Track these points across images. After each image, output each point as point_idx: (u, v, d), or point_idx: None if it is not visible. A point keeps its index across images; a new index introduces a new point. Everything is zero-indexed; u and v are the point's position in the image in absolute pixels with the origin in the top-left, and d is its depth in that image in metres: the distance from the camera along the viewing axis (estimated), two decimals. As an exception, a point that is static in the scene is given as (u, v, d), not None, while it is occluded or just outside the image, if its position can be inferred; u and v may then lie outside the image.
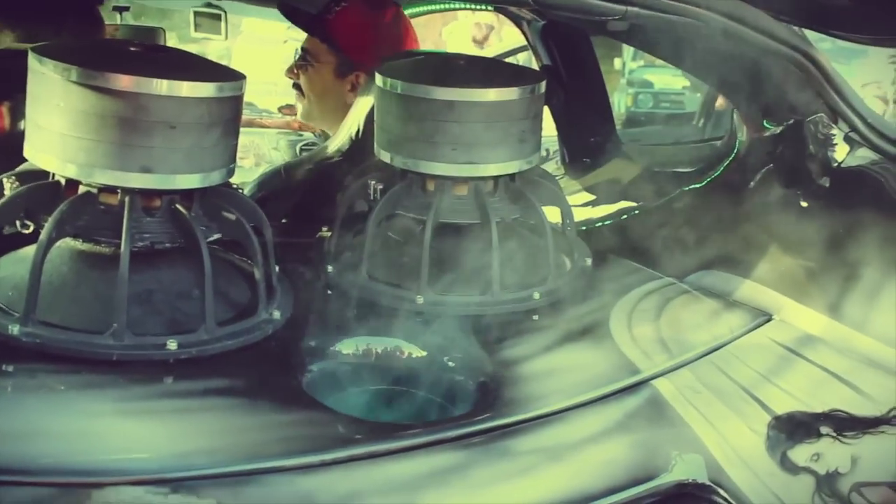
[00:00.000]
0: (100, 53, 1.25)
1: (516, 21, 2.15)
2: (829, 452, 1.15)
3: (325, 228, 1.59)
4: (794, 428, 1.20)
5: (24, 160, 1.25)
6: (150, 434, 1.04)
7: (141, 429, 1.05)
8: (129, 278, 1.14)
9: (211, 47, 3.49)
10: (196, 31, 2.95)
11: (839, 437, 1.17)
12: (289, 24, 2.31)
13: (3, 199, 1.20)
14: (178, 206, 1.22)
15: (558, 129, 2.10)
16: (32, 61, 1.17)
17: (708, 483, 1.12)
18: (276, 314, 1.29)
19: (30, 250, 1.20)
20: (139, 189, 1.19)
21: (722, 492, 1.12)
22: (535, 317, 1.43)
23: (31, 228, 1.22)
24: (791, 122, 1.50)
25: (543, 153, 1.82)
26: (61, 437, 1.01)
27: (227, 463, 1.00)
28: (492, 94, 1.41)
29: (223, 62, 1.41)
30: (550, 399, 1.21)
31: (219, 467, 0.99)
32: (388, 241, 1.49)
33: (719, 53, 1.56)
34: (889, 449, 1.15)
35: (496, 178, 1.48)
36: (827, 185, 1.45)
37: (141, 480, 0.94)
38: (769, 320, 1.44)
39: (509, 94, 1.42)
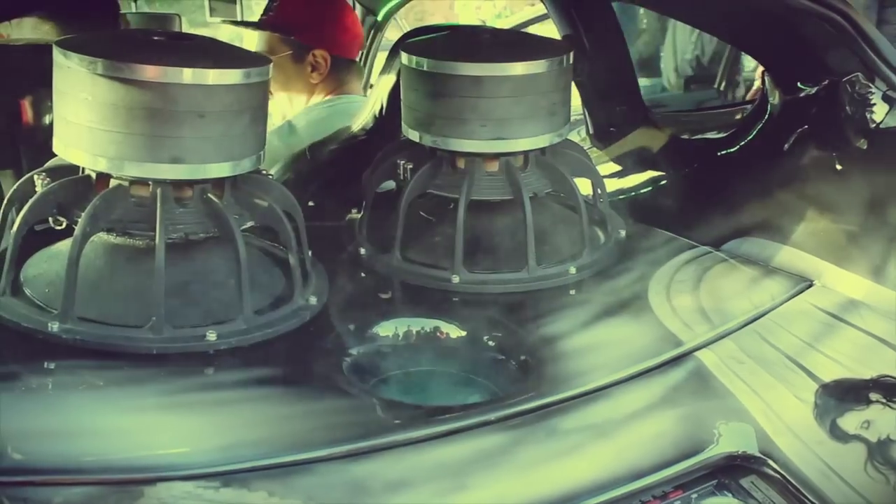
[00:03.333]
0: (124, 44, 1.24)
1: (535, -10, 2.13)
2: (879, 419, 1.14)
3: (354, 210, 1.59)
4: (843, 395, 1.19)
5: (52, 155, 1.25)
6: (195, 427, 1.04)
7: (186, 422, 1.05)
8: (165, 270, 1.15)
9: (222, 31, 3.48)
10: (211, 15, 2.94)
11: (889, 404, 1.17)
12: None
13: (35, 196, 1.20)
14: (210, 195, 1.22)
15: (583, 98, 2.08)
16: (57, 55, 1.17)
17: (758, 454, 1.12)
18: (313, 300, 1.29)
19: (62, 246, 1.21)
20: (170, 180, 1.19)
21: (772, 462, 1.11)
22: (573, 291, 1.43)
23: (64, 224, 1.22)
24: (826, 82, 1.48)
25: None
26: (106, 434, 1.01)
27: (275, 454, 1.00)
28: (520, 68, 1.40)
29: (235, 44, 1.40)
30: (593, 375, 1.20)
31: (267, 458, 0.99)
32: (420, 220, 1.49)
33: (748, 14, 1.54)
34: (939, 413, 1.14)
35: (527, 153, 1.46)
36: (865, 146, 1.43)
37: (191, 475, 0.95)
38: (810, 286, 1.43)
39: (538, 66, 1.41)
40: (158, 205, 1.17)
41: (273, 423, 1.07)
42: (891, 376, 1.20)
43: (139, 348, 1.14)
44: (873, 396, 1.18)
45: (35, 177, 1.24)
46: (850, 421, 1.15)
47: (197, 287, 1.22)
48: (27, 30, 1.88)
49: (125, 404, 1.06)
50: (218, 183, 1.23)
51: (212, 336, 1.16)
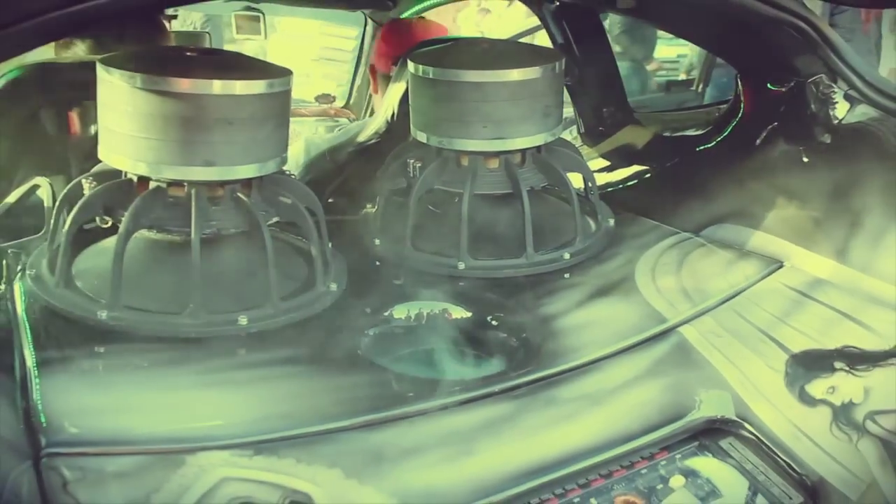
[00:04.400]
0: (160, 60, 1.24)
1: (531, 4, 2.11)
2: (843, 385, 1.14)
3: (369, 205, 1.59)
4: (810, 364, 1.18)
5: (97, 161, 1.25)
6: (229, 402, 1.05)
7: (221, 398, 1.05)
8: (200, 262, 1.15)
9: (248, 45, 3.47)
10: (238, 33, 2.93)
11: (852, 371, 1.16)
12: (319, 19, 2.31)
13: (83, 198, 1.21)
14: (239, 194, 1.22)
15: (573, 101, 2.07)
16: (101, 71, 1.17)
17: (735, 418, 1.12)
18: (333, 286, 1.29)
19: (108, 243, 1.21)
20: (204, 181, 1.19)
21: (748, 425, 1.11)
22: (567, 275, 1.42)
23: (110, 223, 1.23)
24: (793, 83, 1.47)
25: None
26: (151, 409, 1.02)
27: (301, 425, 1.00)
28: (516, 74, 1.40)
29: (260, 58, 1.40)
30: (587, 350, 1.20)
31: (294, 429, 0.99)
32: (429, 213, 1.49)
33: (724, 23, 1.52)
34: (897, 379, 1.14)
35: (524, 151, 1.46)
36: (829, 141, 1.42)
37: (227, 445, 0.95)
38: (780, 267, 1.42)
39: (533, 73, 1.40)
40: (193, 204, 1.17)
41: (299, 398, 1.07)
42: (853, 346, 1.20)
43: (179, 332, 1.14)
44: (837, 365, 1.17)
45: (83, 181, 1.24)
46: (817, 387, 1.15)
47: (229, 277, 1.23)
48: (80, 51, 1.88)
49: (167, 383, 1.07)
50: (246, 183, 1.24)
51: (243, 320, 1.17)
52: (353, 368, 1.16)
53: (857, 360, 1.17)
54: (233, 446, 0.95)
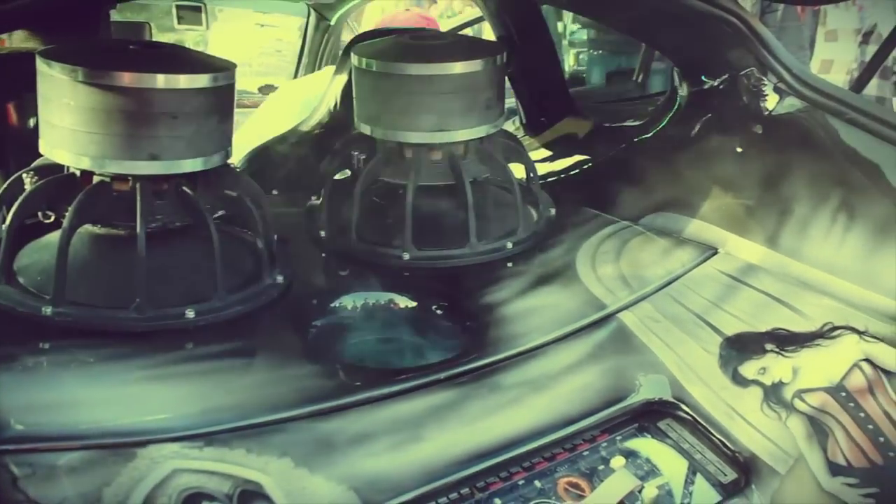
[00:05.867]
0: (102, 53, 1.23)
1: (471, -5, 2.13)
2: (773, 366, 1.19)
3: (314, 197, 1.60)
4: (743, 347, 1.23)
5: (37, 155, 1.24)
6: (178, 395, 1.05)
7: (170, 391, 1.06)
8: (146, 256, 1.15)
9: (188, 35, 3.42)
10: (179, 23, 2.89)
11: (782, 352, 1.21)
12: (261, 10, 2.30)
13: (25, 193, 1.20)
14: (184, 188, 1.23)
15: (515, 92, 2.10)
16: (41, 65, 1.16)
17: (671, 399, 1.16)
18: (279, 278, 1.30)
19: (52, 238, 1.21)
20: (148, 175, 1.19)
21: (684, 406, 1.16)
22: (510, 264, 1.45)
23: (53, 218, 1.22)
24: (726, 76, 1.51)
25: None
26: (99, 404, 1.02)
27: (250, 416, 1.02)
28: (458, 67, 1.42)
29: (200, 48, 1.40)
30: (530, 336, 1.24)
31: (244, 420, 1.01)
32: (374, 205, 1.50)
33: (659, 17, 1.56)
34: (824, 359, 1.19)
35: (467, 143, 1.49)
36: (760, 132, 1.47)
37: (177, 437, 0.96)
38: (715, 253, 1.46)
39: (474, 66, 1.43)
40: (138, 198, 1.17)
41: (248, 389, 1.09)
42: (783, 329, 1.24)
43: (125, 327, 1.14)
44: (768, 346, 1.22)
45: (24, 175, 1.23)
46: (749, 368, 1.19)
47: (175, 270, 1.23)
48: (17, 40, 1.84)
49: (115, 377, 1.07)
50: (191, 177, 1.24)
51: (190, 314, 1.17)
52: (301, 359, 1.17)
53: (787, 341, 1.22)
54: (183, 438, 0.96)
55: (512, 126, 2.09)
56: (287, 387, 1.09)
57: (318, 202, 1.56)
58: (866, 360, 1.16)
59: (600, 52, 3.51)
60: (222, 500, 0.90)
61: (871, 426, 1.09)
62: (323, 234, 1.50)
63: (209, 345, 1.15)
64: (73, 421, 0.97)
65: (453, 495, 0.99)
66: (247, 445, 0.97)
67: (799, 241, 1.38)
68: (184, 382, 1.08)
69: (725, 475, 1.09)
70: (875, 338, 1.18)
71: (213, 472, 0.93)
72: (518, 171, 1.56)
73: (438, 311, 1.33)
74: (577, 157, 1.88)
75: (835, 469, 1.06)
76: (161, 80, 1.15)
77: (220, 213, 1.28)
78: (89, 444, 0.94)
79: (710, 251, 1.47)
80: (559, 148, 1.96)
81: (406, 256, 1.41)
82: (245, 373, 1.13)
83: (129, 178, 1.19)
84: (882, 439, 1.08)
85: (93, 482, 0.89)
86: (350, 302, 1.34)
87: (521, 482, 1.04)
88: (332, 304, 1.33)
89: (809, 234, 1.37)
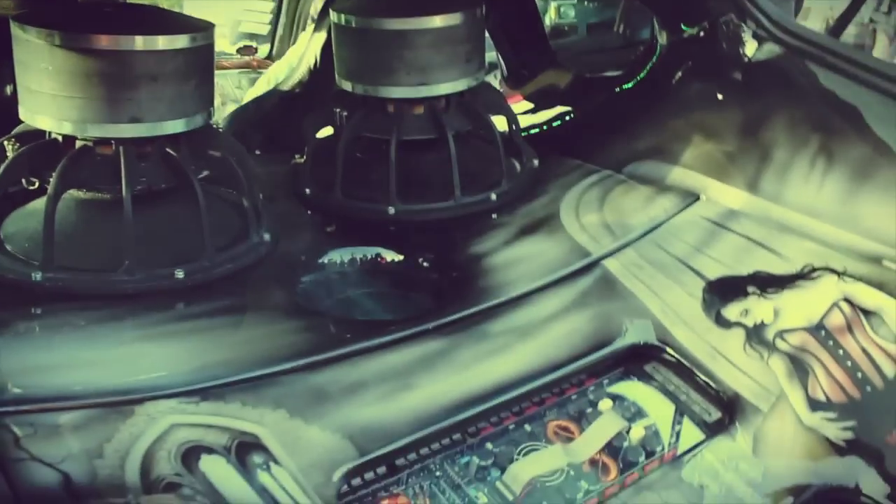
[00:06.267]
0: (78, 16, 1.23)
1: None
2: (755, 308, 1.21)
3: (298, 156, 1.60)
4: (725, 290, 1.25)
5: (18, 122, 1.24)
6: (172, 353, 1.07)
7: (164, 350, 1.08)
8: (133, 219, 1.16)
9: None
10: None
11: (763, 294, 1.23)
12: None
13: (7, 161, 1.20)
14: (168, 149, 1.23)
15: (496, 45, 2.09)
16: (15, 29, 1.16)
17: (657, 343, 1.19)
18: (266, 236, 1.32)
19: (38, 204, 1.21)
20: (131, 138, 1.19)
21: (669, 349, 1.19)
22: (495, 216, 1.47)
23: (37, 184, 1.22)
24: (705, 24, 1.51)
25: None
26: (94, 364, 1.04)
27: (244, 370, 1.04)
28: (438, 21, 1.42)
29: (175, 10, 1.39)
30: (516, 285, 1.26)
31: (238, 374, 1.03)
32: (357, 161, 1.51)
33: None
34: (804, 300, 1.21)
35: (448, 96, 1.49)
36: (740, 78, 1.48)
37: (173, 393, 0.98)
38: (697, 200, 1.47)
39: (454, 18, 1.43)
40: (122, 161, 1.18)
41: (240, 345, 1.10)
42: (764, 272, 1.27)
43: (116, 289, 1.15)
44: (750, 289, 1.24)
45: (5, 143, 1.23)
46: (732, 311, 1.22)
47: (163, 232, 1.24)
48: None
49: (108, 339, 1.09)
50: (174, 138, 1.24)
51: (180, 274, 1.19)
52: (291, 314, 1.19)
53: (768, 284, 1.25)
54: (179, 394, 0.98)
55: (494, 80, 2.09)
56: (279, 341, 1.11)
57: (303, 160, 1.56)
58: (845, 299, 1.18)
59: (581, 3, 3.49)
60: (221, 452, 0.92)
61: (849, 363, 1.12)
62: (308, 191, 1.50)
63: (200, 303, 1.17)
64: (70, 382, 0.99)
65: (445, 441, 1.02)
66: (242, 399, 0.99)
67: (779, 186, 1.39)
68: (177, 341, 1.09)
69: (710, 415, 1.12)
70: (854, 278, 1.21)
71: (211, 425, 0.95)
72: (500, 123, 1.57)
73: (425, 264, 1.35)
74: (559, 109, 1.88)
75: (815, 405, 1.09)
76: (140, 42, 1.15)
77: (206, 173, 1.28)
78: (87, 402, 0.95)
79: (691, 197, 1.48)
80: (541, 99, 1.97)
81: (391, 211, 1.43)
82: (237, 329, 1.14)
83: (112, 141, 1.19)
84: (860, 375, 1.11)
85: (93, 439, 0.91)
86: (337, 257, 1.35)
87: (511, 427, 1.08)
88: (320, 260, 1.34)
89: (789, 179, 1.39)
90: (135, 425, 0.93)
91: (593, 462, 1.04)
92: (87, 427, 0.93)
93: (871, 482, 1.01)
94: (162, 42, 1.16)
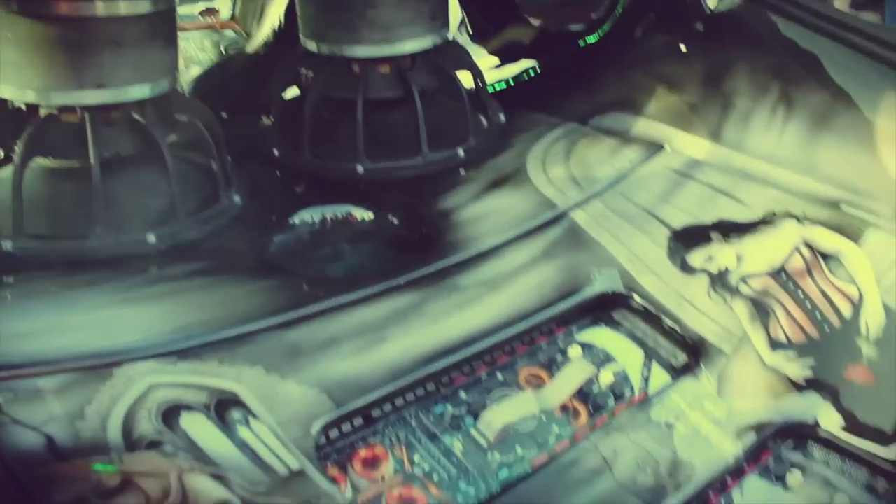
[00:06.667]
0: None
1: None
2: (718, 254, 1.24)
3: (265, 117, 1.60)
4: (690, 238, 1.28)
5: None
6: (148, 316, 1.09)
7: (139, 313, 1.09)
8: (101, 185, 1.16)
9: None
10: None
11: (726, 241, 1.26)
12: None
13: None
14: (134, 114, 1.23)
15: (461, 1, 2.09)
16: None
17: (624, 291, 1.22)
18: (236, 198, 1.33)
19: (4, 174, 1.21)
20: (96, 105, 1.19)
21: (636, 296, 1.22)
22: (462, 171, 1.48)
23: (2, 154, 1.22)
24: (666, -26, 1.53)
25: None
26: (71, 329, 1.05)
27: (219, 330, 1.05)
28: None
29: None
30: (485, 239, 1.28)
31: (214, 335, 1.04)
32: (325, 121, 1.52)
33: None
34: (766, 245, 1.24)
35: (414, 55, 1.50)
36: (702, 29, 1.49)
37: (151, 355, 1.00)
38: (661, 150, 1.50)
39: None
40: (88, 128, 1.18)
41: (215, 305, 1.12)
42: (727, 219, 1.30)
43: (88, 256, 1.16)
44: (713, 236, 1.27)
45: None
46: (696, 257, 1.25)
47: (132, 197, 1.24)
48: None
49: (83, 304, 1.10)
50: (140, 103, 1.24)
51: (151, 238, 1.20)
52: (264, 274, 1.20)
53: (731, 230, 1.28)
54: (157, 356, 1.00)
55: (460, 37, 2.08)
56: (253, 300, 1.12)
57: (270, 122, 1.56)
58: (805, 243, 1.22)
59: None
60: (201, 410, 0.94)
61: (808, 305, 1.16)
62: (276, 152, 1.51)
63: (173, 267, 1.18)
64: (48, 347, 1.00)
65: (419, 392, 1.05)
66: (219, 357, 1.01)
67: (741, 134, 1.42)
68: (152, 304, 1.11)
69: (676, 358, 1.15)
70: (813, 222, 1.24)
71: (189, 384, 0.97)
72: (466, 79, 1.57)
73: (395, 220, 1.36)
74: (525, 63, 1.89)
75: (776, 345, 1.13)
76: (101, 7, 1.15)
77: (173, 137, 1.29)
78: (66, 367, 0.97)
79: (656, 148, 1.50)
80: (506, 54, 1.97)
81: (360, 169, 1.44)
82: (211, 290, 1.15)
83: (77, 108, 1.19)
84: (818, 315, 1.14)
85: (74, 402, 0.93)
86: (308, 216, 1.36)
87: (483, 376, 1.10)
88: (291, 220, 1.35)
89: (751, 127, 1.41)
90: (114, 387, 0.95)
91: (564, 407, 1.07)
92: (68, 390, 0.94)
93: (828, 417, 1.05)
94: (124, 7, 1.16)
